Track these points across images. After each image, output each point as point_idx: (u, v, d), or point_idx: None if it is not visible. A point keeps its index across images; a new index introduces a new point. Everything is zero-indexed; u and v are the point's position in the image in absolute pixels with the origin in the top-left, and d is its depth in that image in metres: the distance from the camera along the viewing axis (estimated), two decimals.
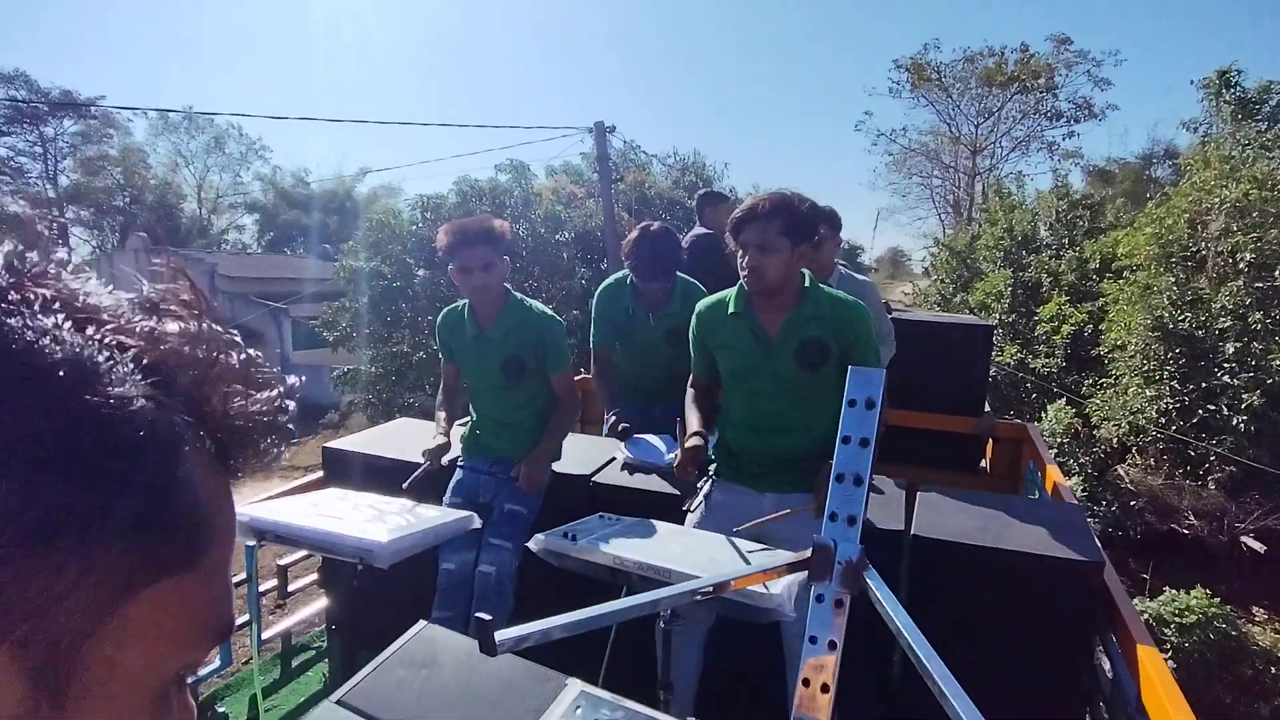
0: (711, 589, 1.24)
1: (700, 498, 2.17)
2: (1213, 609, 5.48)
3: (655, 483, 2.43)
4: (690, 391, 2.30)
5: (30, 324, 0.27)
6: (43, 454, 0.26)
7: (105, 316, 0.30)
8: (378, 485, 2.34)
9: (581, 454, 2.64)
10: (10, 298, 0.28)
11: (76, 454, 0.26)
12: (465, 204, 11.58)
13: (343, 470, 2.74)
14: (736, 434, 2.19)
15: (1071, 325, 9.29)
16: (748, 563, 1.59)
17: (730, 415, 2.21)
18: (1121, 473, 8.00)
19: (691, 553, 1.68)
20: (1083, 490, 7.64)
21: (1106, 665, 1.94)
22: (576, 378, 2.94)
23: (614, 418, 2.85)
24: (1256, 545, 7.16)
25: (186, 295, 0.34)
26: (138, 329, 0.31)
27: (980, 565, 1.96)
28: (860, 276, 3.21)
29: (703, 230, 3.99)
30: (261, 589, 2.73)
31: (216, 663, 2.70)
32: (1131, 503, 7.55)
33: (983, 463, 3.95)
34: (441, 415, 2.60)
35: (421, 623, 1.53)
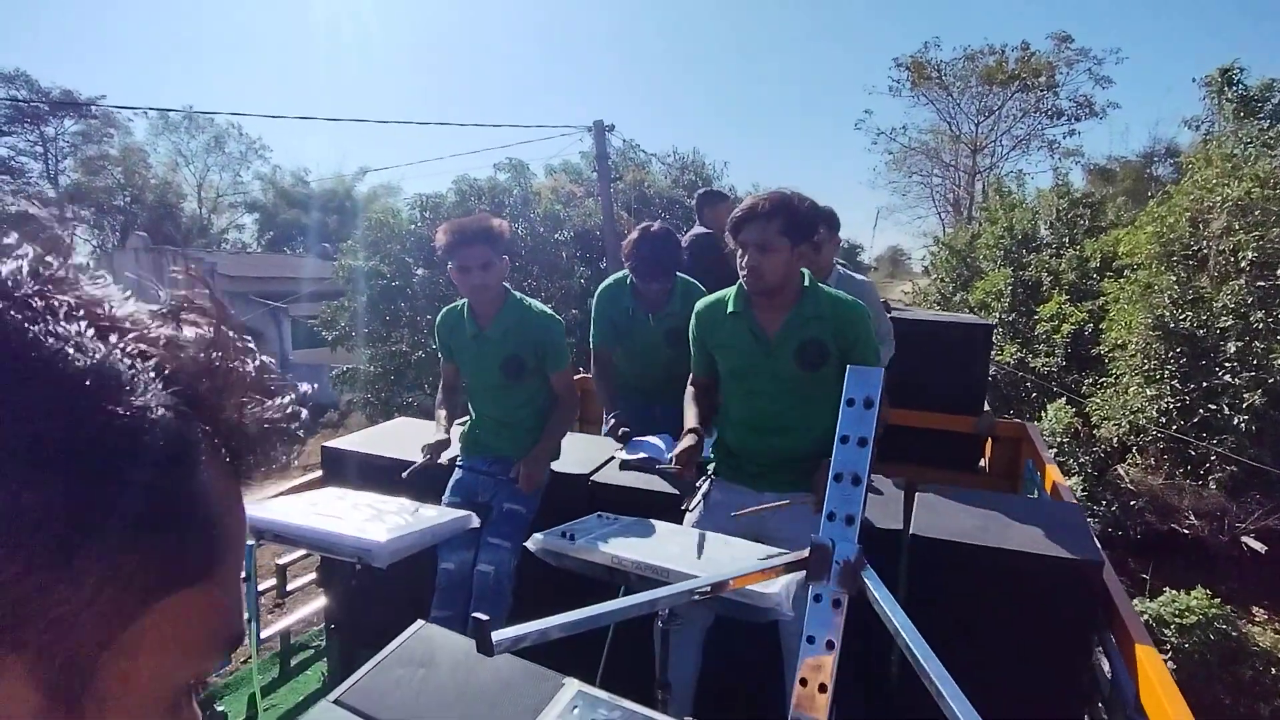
0: (709, 588, 1.24)
1: (699, 497, 2.17)
2: (1213, 609, 5.47)
3: (654, 482, 2.43)
4: (690, 390, 2.30)
5: (54, 332, 0.27)
6: (66, 465, 0.26)
7: (126, 325, 0.30)
8: (376, 484, 2.34)
9: (580, 453, 2.64)
10: (35, 304, 0.28)
11: (99, 465, 0.26)
12: (464, 203, 11.56)
13: (341, 469, 2.74)
14: (736, 434, 2.19)
15: (1072, 324, 9.26)
16: (746, 563, 1.59)
17: (729, 415, 2.21)
18: (1121, 472, 7.99)
19: (690, 552, 1.68)
20: (1082, 490, 7.62)
21: (1105, 665, 1.94)
22: (576, 377, 2.94)
23: (614, 420, 2.85)
24: (1257, 545, 7.15)
25: (204, 302, 0.34)
26: (158, 337, 0.31)
27: (979, 565, 1.96)
28: (859, 276, 3.20)
29: (702, 230, 3.99)
30: (260, 588, 2.74)
31: None
32: (1131, 502, 7.54)
33: (982, 462, 3.95)
34: (441, 414, 2.60)
35: (419, 622, 1.53)
